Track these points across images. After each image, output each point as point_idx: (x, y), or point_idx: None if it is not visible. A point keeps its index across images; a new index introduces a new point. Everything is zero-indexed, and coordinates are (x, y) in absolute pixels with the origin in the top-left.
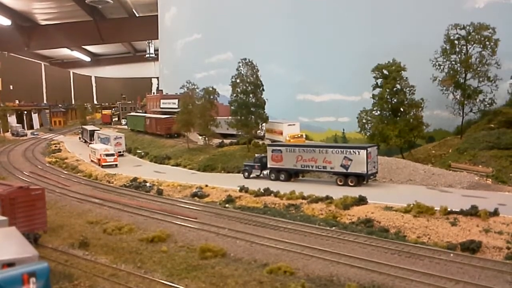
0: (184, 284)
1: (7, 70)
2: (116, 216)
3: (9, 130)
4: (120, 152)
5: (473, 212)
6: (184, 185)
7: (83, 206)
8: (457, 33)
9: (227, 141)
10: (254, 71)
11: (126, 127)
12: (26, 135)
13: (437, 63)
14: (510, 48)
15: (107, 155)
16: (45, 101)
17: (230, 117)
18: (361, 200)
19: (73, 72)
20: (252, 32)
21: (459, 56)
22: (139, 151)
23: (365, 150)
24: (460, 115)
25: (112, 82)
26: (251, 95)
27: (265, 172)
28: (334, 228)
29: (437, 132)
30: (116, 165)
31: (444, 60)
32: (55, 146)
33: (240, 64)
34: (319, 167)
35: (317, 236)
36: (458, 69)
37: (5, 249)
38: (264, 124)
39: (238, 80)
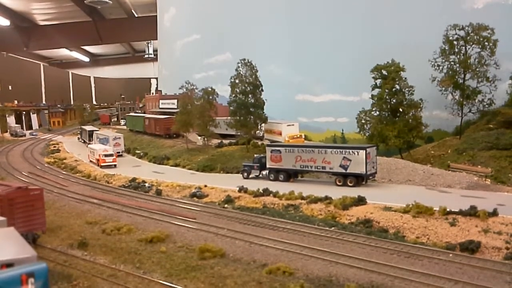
0: (183, 285)
1: (6, 70)
2: (115, 217)
3: (8, 130)
4: (119, 152)
5: (472, 212)
6: (183, 186)
7: (82, 206)
8: (456, 34)
9: (226, 141)
10: (253, 71)
11: (125, 127)
12: (24, 135)
13: (436, 64)
14: (509, 49)
15: (106, 155)
16: (44, 102)
17: (229, 118)
18: (360, 201)
19: (72, 73)
20: (251, 33)
21: (458, 56)
22: (138, 152)
23: (364, 151)
24: (459, 115)
25: (111, 82)
26: (250, 96)
27: (264, 172)
28: (333, 228)
29: (436, 132)
30: (115, 165)
31: (443, 60)
32: (54, 147)
33: (239, 65)
34: (318, 167)
35: (316, 236)
36: (457, 69)
37: (4, 249)
38: (263, 125)
39: (237, 81)
